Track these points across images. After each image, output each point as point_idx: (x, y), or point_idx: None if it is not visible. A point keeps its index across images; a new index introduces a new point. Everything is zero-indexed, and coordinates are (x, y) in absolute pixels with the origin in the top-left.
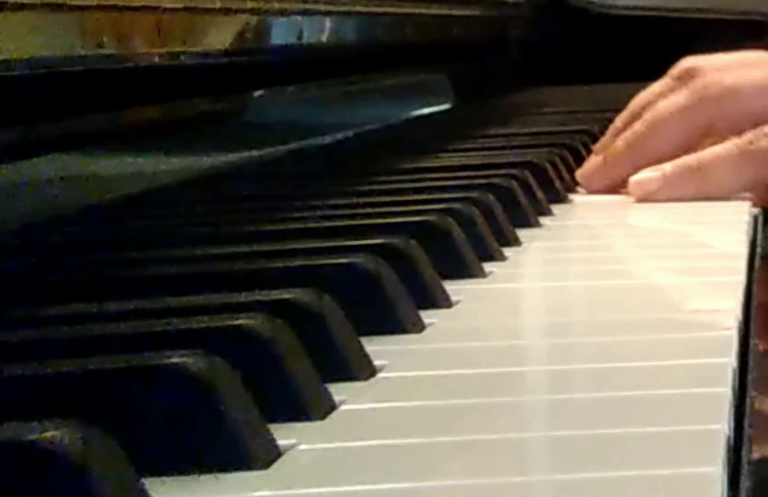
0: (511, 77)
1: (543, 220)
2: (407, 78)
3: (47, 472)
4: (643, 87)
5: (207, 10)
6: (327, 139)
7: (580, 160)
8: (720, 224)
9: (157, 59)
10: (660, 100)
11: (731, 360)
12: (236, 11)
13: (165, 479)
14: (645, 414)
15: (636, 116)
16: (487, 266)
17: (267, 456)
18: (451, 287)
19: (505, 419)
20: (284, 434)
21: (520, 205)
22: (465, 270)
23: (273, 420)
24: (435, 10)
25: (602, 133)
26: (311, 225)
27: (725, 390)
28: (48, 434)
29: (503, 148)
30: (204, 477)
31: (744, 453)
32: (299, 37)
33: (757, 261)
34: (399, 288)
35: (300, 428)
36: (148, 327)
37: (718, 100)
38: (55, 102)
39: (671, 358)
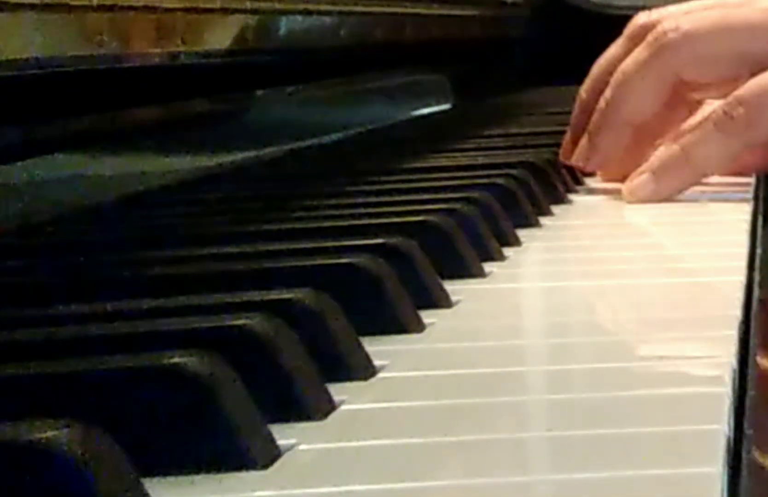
0: (511, 77)
1: (543, 220)
2: (407, 78)
3: (47, 472)
4: None
5: (207, 10)
6: (327, 139)
7: None
8: (720, 224)
9: (157, 59)
10: (621, 62)
11: (731, 360)
12: (236, 11)
13: (165, 479)
14: (645, 414)
15: (598, 83)
16: (487, 266)
17: (267, 456)
18: (451, 287)
19: (505, 419)
20: (284, 434)
21: (520, 205)
22: (465, 270)
23: (273, 420)
24: (435, 10)
25: None
26: (311, 225)
27: (725, 390)
28: (48, 434)
29: (503, 148)
30: (204, 477)
31: (744, 453)
32: (299, 37)
33: (757, 262)
34: (399, 288)
35: (300, 428)
36: (148, 327)
37: (679, 46)
38: (55, 102)
39: (671, 358)
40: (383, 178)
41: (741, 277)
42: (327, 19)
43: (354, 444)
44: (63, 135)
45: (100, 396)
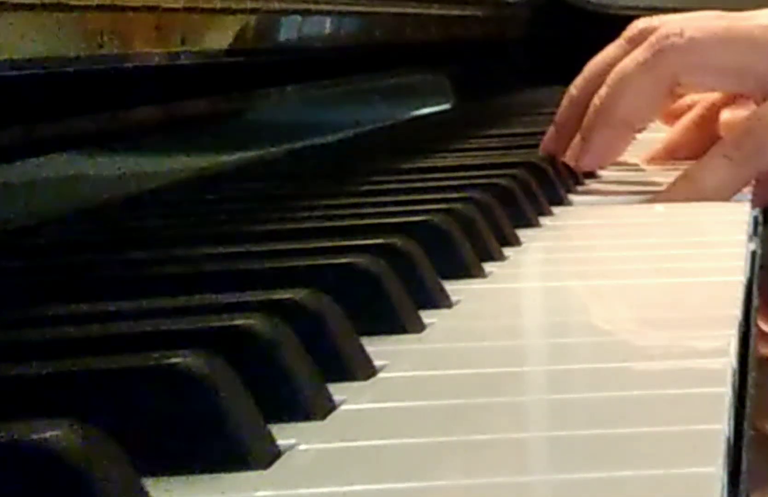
0: (511, 77)
1: (543, 220)
2: (407, 78)
3: (47, 472)
4: None
5: (207, 10)
6: (327, 139)
7: None
8: (720, 224)
9: (157, 59)
10: (617, 64)
11: (731, 360)
12: (236, 11)
13: (165, 479)
14: (645, 414)
15: (590, 82)
16: (487, 266)
17: (267, 456)
18: (451, 287)
19: (505, 419)
20: (284, 434)
21: (520, 205)
22: (465, 271)
23: (273, 420)
24: (435, 10)
25: None
26: (311, 225)
27: (725, 390)
28: (48, 434)
29: (503, 148)
30: (204, 477)
31: (744, 453)
32: (299, 37)
33: (757, 262)
34: (399, 288)
35: (300, 428)
36: (148, 327)
37: (679, 50)
38: (55, 102)
39: (671, 358)
40: (383, 178)
41: (741, 277)
42: (327, 19)
43: (354, 444)
44: (63, 135)
45: (101, 396)
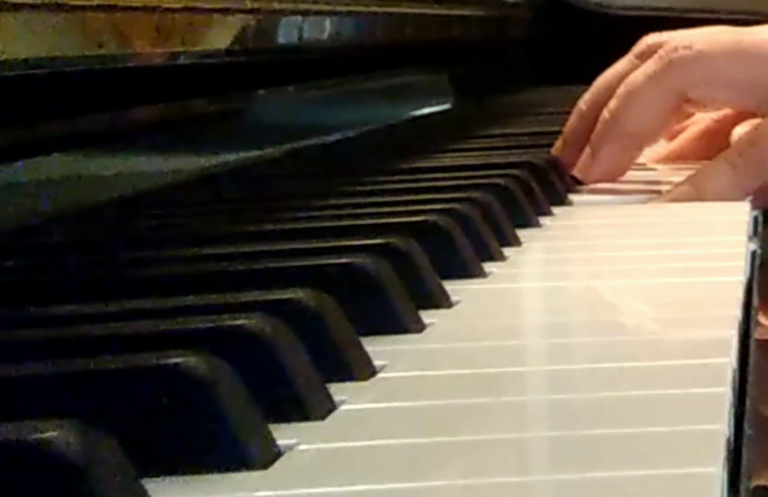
0: (511, 77)
1: (543, 220)
2: (407, 78)
3: (47, 472)
4: None
5: (207, 10)
6: (327, 139)
7: None
8: (720, 224)
9: (157, 59)
10: (627, 77)
11: (731, 360)
12: (236, 11)
13: (165, 479)
14: (645, 414)
15: (599, 97)
16: (487, 266)
17: (267, 456)
18: (451, 287)
19: (505, 419)
20: (284, 434)
21: (520, 205)
22: (465, 271)
23: (273, 420)
24: (435, 10)
25: None
26: (311, 225)
27: (725, 390)
28: (48, 434)
29: (503, 148)
30: (204, 477)
31: (744, 453)
32: (299, 37)
33: (757, 262)
34: (399, 288)
35: (300, 428)
36: (148, 328)
37: (688, 63)
38: (55, 102)
39: (671, 358)
40: (383, 178)
41: (741, 277)
42: (327, 19)
43: (354, 444)
44: (63, 135)
45: (100, 396)
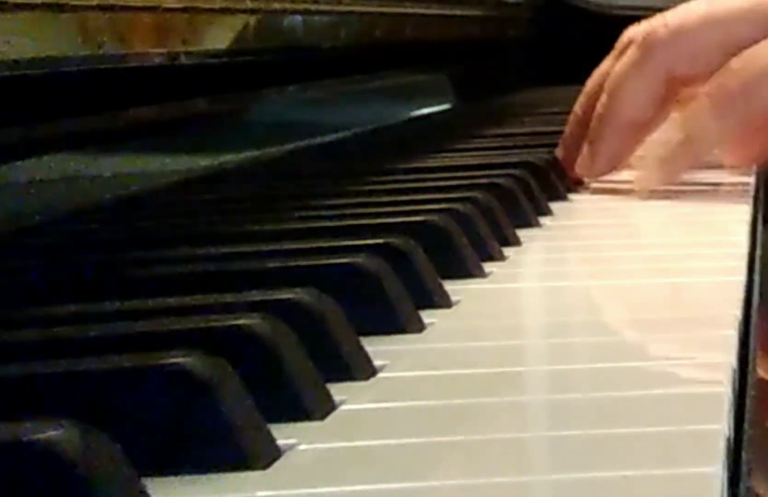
0: (511, 77)
1: (543, 220)
2: (407, 78)
3: (47, 472)
4: None
5: (207, 10)
6: (327, 139)
7: None
8: (720, 224)
9: (157, 59)
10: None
11: (731, 360)
12: (236, 11)
13: (165, 479)
14: (645, 414)
15: (591, 97)
16: (487, 266)
17: (267, 456)
18: (451, 287)
19: (505, 419)
20: (284, 434)
21: (520, 205)
22: (465, 271)
23: (273, 420)
24: (435, 10)
25: None
26: (311, 225)
27: (725, 391)
28: (48, 434)
29: (503, 148)
30: (204, 477)
31: (744, 453)
32: (299, 37)
33: (757, 262)
34: (399, 288)
35: (300, 428)
36: (148, 327)
37: (666, 42)
38: (55, 102)
39: (671, 358)
40: (383, 178)
41: (741, 277)
42: (327, 19)
43: (354, 444)
44: (63, 135)
45: (100, 396)
